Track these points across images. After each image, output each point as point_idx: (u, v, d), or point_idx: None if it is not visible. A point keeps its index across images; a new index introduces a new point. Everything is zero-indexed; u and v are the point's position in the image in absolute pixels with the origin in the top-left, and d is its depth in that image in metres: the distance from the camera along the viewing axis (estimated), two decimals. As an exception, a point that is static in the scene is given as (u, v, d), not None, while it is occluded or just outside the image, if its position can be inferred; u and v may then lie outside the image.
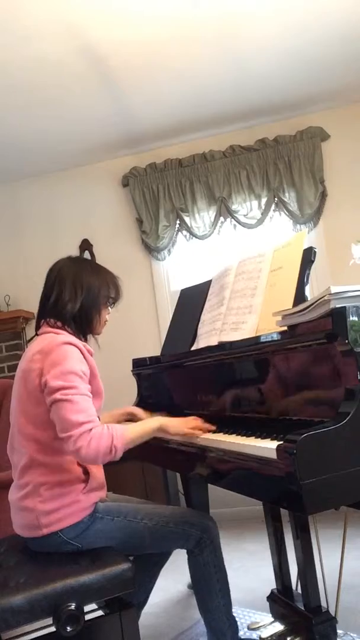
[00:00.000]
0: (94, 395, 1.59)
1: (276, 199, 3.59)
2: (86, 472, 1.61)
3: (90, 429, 1.47)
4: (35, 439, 1.57)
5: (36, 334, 1.71)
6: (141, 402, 2.42)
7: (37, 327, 1.72)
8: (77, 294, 1.68)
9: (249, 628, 1.90)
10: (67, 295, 1.68)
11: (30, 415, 1.58)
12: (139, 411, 2.06)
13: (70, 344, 1.58)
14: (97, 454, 1.46)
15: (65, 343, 1.57)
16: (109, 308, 1.79)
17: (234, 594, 1.74)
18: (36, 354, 1.58)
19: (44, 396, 1.53)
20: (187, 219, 3.70)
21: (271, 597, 1.96)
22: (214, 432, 1.69)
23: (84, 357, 1.60)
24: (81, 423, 1.46)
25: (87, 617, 1.46)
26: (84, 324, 1.71)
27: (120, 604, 1.52)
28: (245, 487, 1.47)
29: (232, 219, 3.66)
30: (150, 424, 1.66)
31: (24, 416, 1.60)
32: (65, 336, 1.61)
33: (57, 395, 1.48)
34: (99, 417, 1.74)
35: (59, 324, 1.66)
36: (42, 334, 1.66)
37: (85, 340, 1.72)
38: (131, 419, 2.04)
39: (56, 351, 1.55)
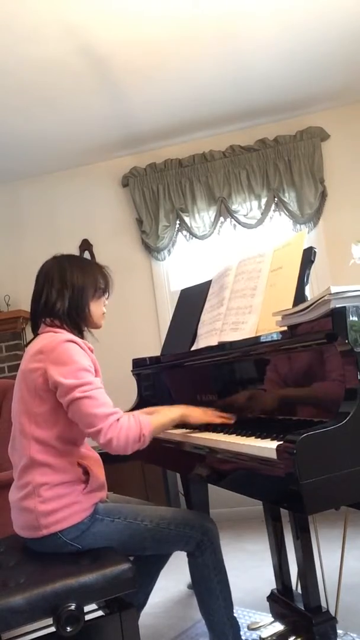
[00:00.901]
0: None
1: (276, 199, 3.59)
2: (86, 473, 1.60)
3: (118, 419, 1.49)
4: (37, 439, 1.57)
5: (36, 334, 1.70)
6: (141, 402, 2.42)
7: (35, 327, 1.72)
8: (63, 293, 1.68)
9: (249, 628, 1.90)
10: (54, 295, 1.68)
11: (33, 415, 1.58)
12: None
13: (71, 341, 1.58)
14: (127, 443, 1.49)
15: (66, 341, 1.57)
16: (104, 299, 1.79)
17: (234, 594, 1.74)
18: (37, 353, 1.58)
19: (58, 397, 1.53)
20: (187, 219, 3.70)
21: (271, 597, 1.96)
22: (214, 432, 1.69)
23: (86, 353, 1.61)
24: (107, 415, 1.49)
25: (87, 617, 1.46)
26: (78, 320, 1.71)
27: (120, 604, 1.51)
28: (245, 487, 1.46)
29: (232, 219, 3.66)
30: (172, 412, 1.68)
31: (26, 416, 1.60)
32: (65, 334, 1.61)
33: (76, 394, 1.49)
34: None
35: (56, 322, 1.66)
36: (42, 334, 1.66)
37: (82, 335, 1.72)
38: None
39: (58, 350, 1.55)
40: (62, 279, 1.70)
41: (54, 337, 1.59)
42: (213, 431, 1.71)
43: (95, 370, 1.62)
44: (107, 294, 1.80)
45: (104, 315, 1.79)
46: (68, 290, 1.69)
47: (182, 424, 1.75)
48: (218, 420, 1.70)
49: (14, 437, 1.65)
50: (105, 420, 1.48)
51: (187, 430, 1.80)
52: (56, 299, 1.68)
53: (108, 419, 1.48)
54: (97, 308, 1.75)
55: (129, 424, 1.50)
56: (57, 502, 1.54)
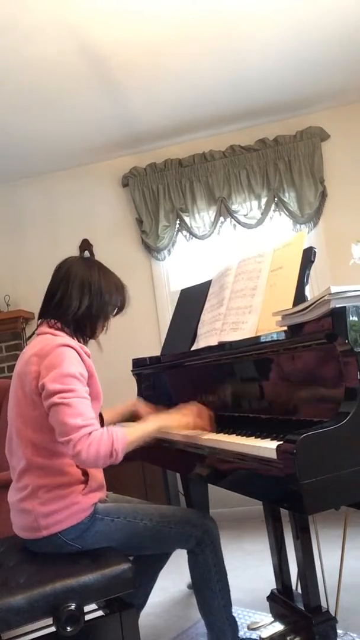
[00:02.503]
0: (92, 397, 1.57)
1: (276, 199, 3.59)
2: (85, 474, 1.60)
3: (90, 433, 1.43)
4: (33, 442, 1.56)
5: (35, 333, 1.69)
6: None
7: (37, 326, 1.71)
8: (84, 295, 1.65)
9: (249, 628, 1.90)
10: (74, 295, 1.64)
11: (27, 418, 1.57)
12: (141, 407, 2.03)
13: (67, 346, 1.55)
14: (97, 457, 1.43)
15: (61, 345, 1.54)
16: (111, 315, 1.77)
17: (234, 594, 1.74)
18: (32, 356, 1.56)
19: (42, 399, 1.51)
20: (187, 219, 3.70)
21: (271, 597, 1.96)
22: (215, 431, 1.68)
23: (82, 359, 1.58)
24: (80, 427, 1.43)
25: (87, 617, 1.46)
26: (86, 327, 1.68)
27: (120, 604, 1.52)
28: (245, 487, 1.46)
29: (232, 219, 3.66)
30: (149, 426, 1.62)
31: (21, 419, 1.59)
32: (62, 338, 1.59)
33: (55, 399, 1.46)
34: (101, 419, 1.74)
35: (58, 324, 1.64)
36: (40, 335, 1.64)
37: (84, 343, 1.70)
38: (135, 416, 2.01)
39: (53, 354, 1.52)
40: (86, 281, 1.66)
41: (51, 341, 1.57)
42: (214, 430, 1.70)
43: (90, 377, 1.59)
44: (120, 313, 1.78)
45: (105, 330, 1.77)
46: (91, 295, 1.65)
47: None
48: (199, 427, 1.67)
49: (11, 440, 1.64)
50: (76, 432, 1.42)
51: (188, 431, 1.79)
52: (74, 300, 1.64)
53: (80, 430, 1.42)
54: (105, 323, 1.74)
55: (101, 438, 1.44)
56: (57, 503, 1.53)
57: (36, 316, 3.88)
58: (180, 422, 1.68)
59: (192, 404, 1.76)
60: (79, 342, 1.66)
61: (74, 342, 1.59)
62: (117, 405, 2.06)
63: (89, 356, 1.63)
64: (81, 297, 1.65)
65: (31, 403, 1.55)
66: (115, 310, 1.76)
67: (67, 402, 1.45)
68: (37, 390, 1.52)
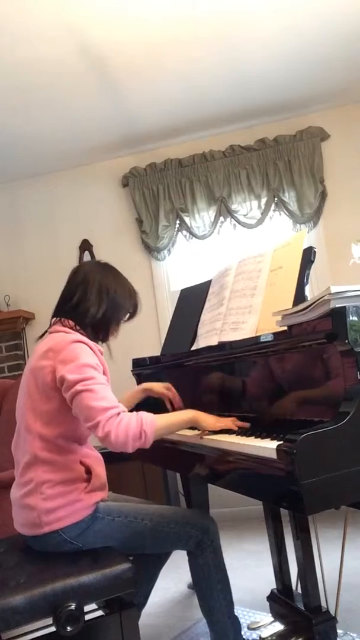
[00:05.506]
0: None
1: (276, 198, 3.59)
2: (89, 472, 1.61)
3: (118, 413, 1.47)
4: (41, 436, 1.57)
5: (47, 331, 1.71)
6: (141, 402, 2.41)
7: (50, 324, 1.73)
8: (102, 301, 1.69)
9: (248, 628, 1.90)
10: (92, 300, 1.69)
11: (39, 412, 1.59)
12: (152, 385, 2.04)
13: (80, 341, 1.60)
14: (127, 438, 1.45)
15: (75, 341, 1.59)
16: (123, 320, 1.80)
17: (234, 594, 1.74)
18: (47, 351, 1.59)
19: (63, 392, 1.53)
20: (187, 219, 3.70)
21: (271, 597, 1.96)
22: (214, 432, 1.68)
23: (95, 354, 1.62)
24: (106, 408, 1.46)
25: (87, 617, 1.46)
26: (100, 332, 1.72)
27: (120, 604, 1.52)
28: (245, 487, 1.47)
29: (232, 219, 3.66)
30: (184, 414, 1.64)
31: (32, 413, 1.60)
32: (76, 335, 1.62)
33: (78, 387, 1.49)
34: None
35: (73, 325, 1.67)
36: (53, 332, 1.67)
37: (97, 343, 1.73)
38: (148, 396, 2.04)
39: (67, 349, 1.56)
40: (104, 287, 1.71)
41: (64, 337, 1.60)
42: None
43: (103, 372, 1.62)
44: (131, 318, 1.82)
45: (116, 334, 1.81)
46: (108, 301, 1.70)
47: None
48: (234, 427, 1.61)
49: (18, 434, 1.66)
50: (103, 413, 1.45)
51: (188, 430, 1.79)
52: (92, 305, 1.68)
53: (107, 412, 1.46)
54: (118, 328, 1.78)
55: (130, 419, 1.47)
56: (59, 499, 1.54)
57: (36, 316, 3.91)
58: (213, 423, 1.63)
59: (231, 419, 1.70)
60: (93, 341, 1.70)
61: (86, 339, 1.63)
62: (126, 393, 2.08)
63: (101, 353, 1.67)
64: (99, 303, 1.69)
65: (44, 397, 1.58)
66: (128, 316, 1.80)
67: (89, 388, 1.49)
68: (53, 384, 1.55)
